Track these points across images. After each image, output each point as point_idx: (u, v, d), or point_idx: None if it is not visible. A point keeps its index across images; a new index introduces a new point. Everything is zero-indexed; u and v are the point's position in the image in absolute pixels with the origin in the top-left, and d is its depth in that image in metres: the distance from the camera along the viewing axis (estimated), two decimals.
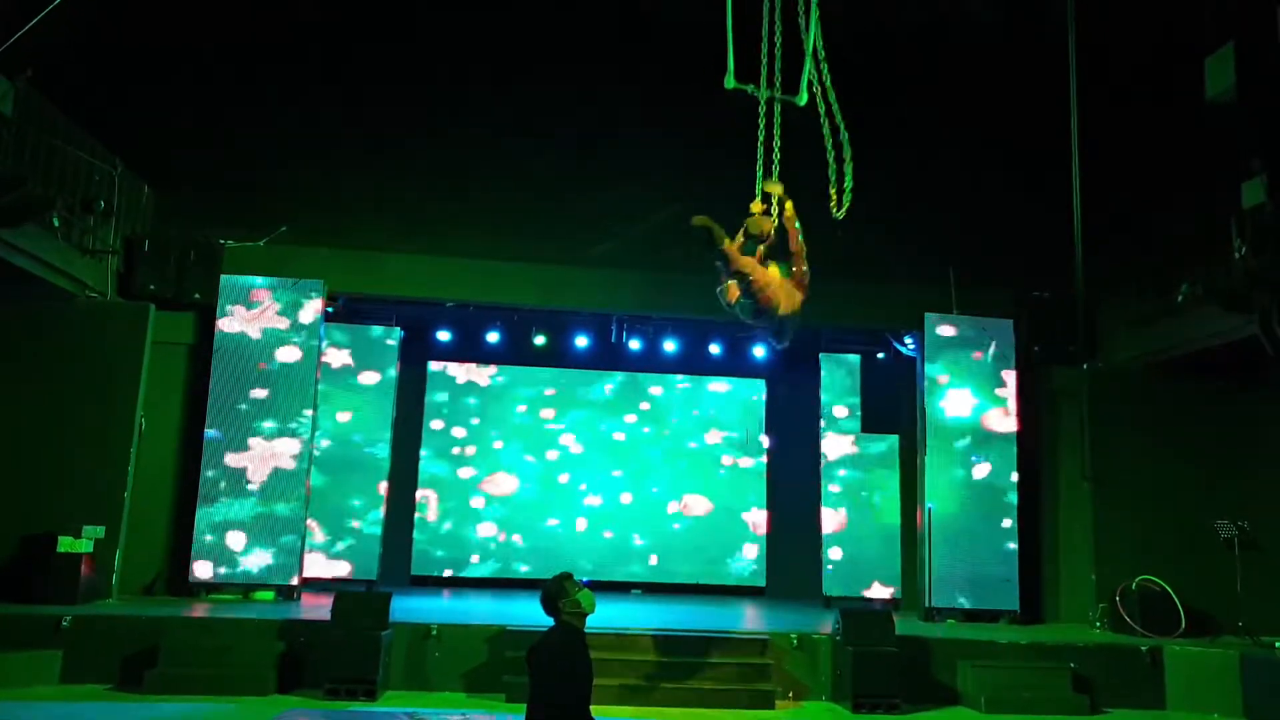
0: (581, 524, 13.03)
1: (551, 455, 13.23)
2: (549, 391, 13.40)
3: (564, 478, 13.17)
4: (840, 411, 12.20)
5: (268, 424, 10.32)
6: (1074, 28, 8.03)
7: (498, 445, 13.19)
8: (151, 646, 7.87)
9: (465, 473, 13.07)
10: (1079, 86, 8.11)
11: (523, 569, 12.75)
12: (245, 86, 9.77)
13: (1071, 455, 10.97)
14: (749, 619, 10.49)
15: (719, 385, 13.61)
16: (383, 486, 11.60)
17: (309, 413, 10.43)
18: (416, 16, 9.54)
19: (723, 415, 13.57)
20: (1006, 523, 10.84)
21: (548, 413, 13.36)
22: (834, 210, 6.46)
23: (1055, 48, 8.07)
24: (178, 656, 7.83)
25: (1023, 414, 11.13)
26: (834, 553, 11.78)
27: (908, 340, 11.62)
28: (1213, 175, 8.87)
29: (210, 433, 10.19)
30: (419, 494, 12.86)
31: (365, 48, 9.86)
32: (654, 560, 13.03)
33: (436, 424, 13.16)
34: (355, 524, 11.47)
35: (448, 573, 12.74)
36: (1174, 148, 9.44)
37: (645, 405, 13.50)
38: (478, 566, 12.81)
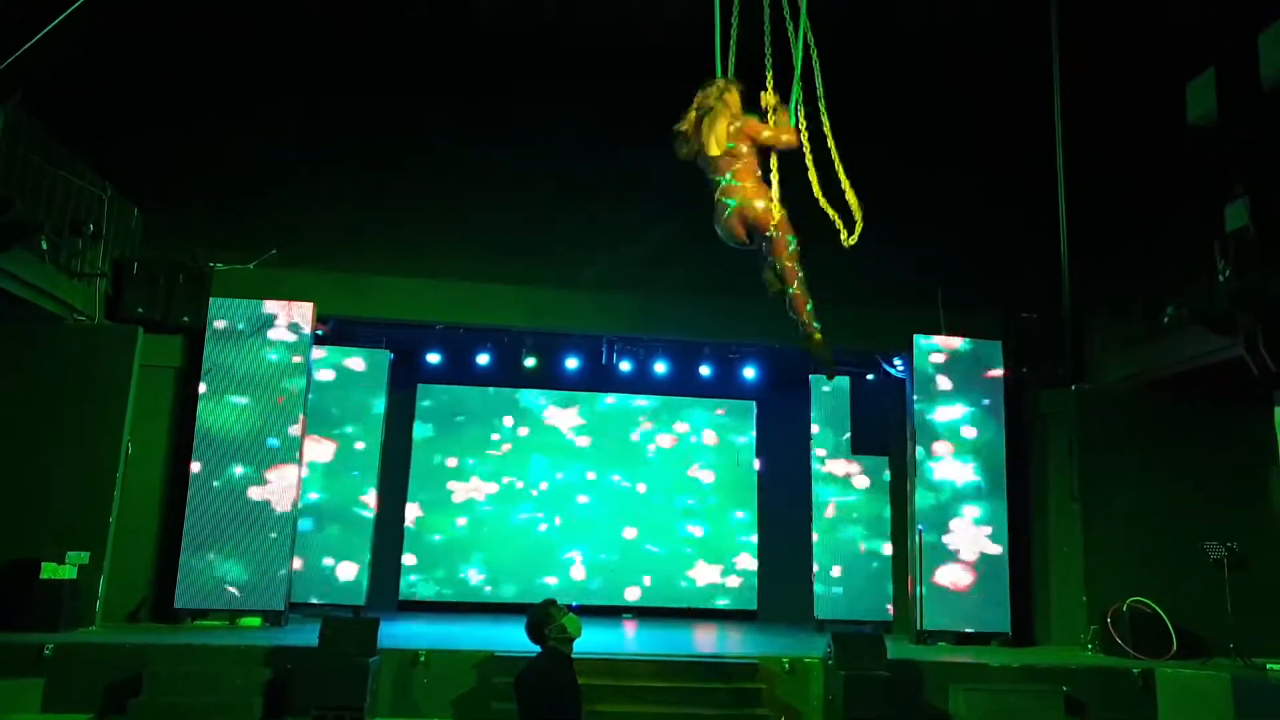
0: (571, 547, 12.97)
1: (541, 477, 13.18)
2: (540, 413, 13.38)
3: (554, 500, 13.12)
4: (830, 433, 12.20)
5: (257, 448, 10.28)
6: (1059, 53, 8.12)
7: (487, 468, 13.14)
8: (135, 674, 7.76)
9: (454, 495, 13.01)
10: (1064, 110, 8.19)
11: (512, 594, 12.65)
12: (235, 110, 9.79)
13: (1061, 476, 10.99)
14: (740, 643, 10.44)
15: (709, 407, 13.60)
16: (371, 509, 11.50)
17: (298, 431, 10.38)
18: (405, 39, 9.59)
19: (712, 437, 13.56)
20: (997, 545, 10.84)
21: (538, 435, 13.33)
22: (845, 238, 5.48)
23: (1041, 73, 8.15)
24: (162, 684, 7.72)
25: (1012, 435, 11.15)
26: (825, 575, 11.75)
27: (897, 362, 11.65)
28: (1196, 198, 8.97)
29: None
30: (408, 517, 12.79)
31: (354, 70, 9.89)
32: (645, 584, 12.96)
33: (425, 446, 13.11)
34: (343, 546, 11.36)
35: (436, 598, 12.65)
36: (1158, 171, 9.54)
37: (635, 427, 13.48)
38: (466, 591, 12.72)
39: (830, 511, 11.96)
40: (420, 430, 13.14)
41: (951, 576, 10.69)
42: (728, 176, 5.11)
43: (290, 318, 10.50)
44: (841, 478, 12.07)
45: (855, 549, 11.89)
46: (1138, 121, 9.44)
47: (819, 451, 12.12)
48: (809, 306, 5.18)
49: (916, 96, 10.16)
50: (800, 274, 5.12)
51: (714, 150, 5.15)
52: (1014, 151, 9.74)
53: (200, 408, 10.23)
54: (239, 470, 10.19)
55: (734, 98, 5.27)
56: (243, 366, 10.37)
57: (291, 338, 10.49)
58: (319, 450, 11.43)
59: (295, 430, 10.37)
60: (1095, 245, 10.04)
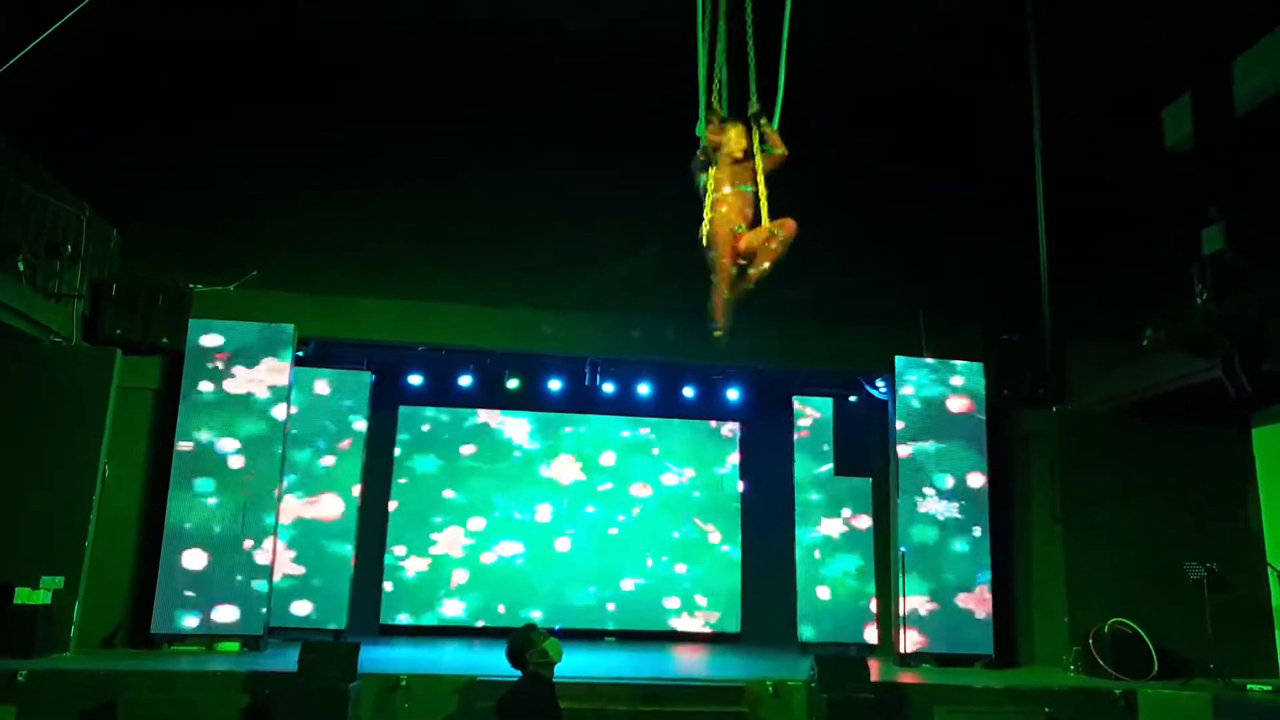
0: (554, 570, 12.90)
1: (523, 500, 13.12)
2: (521, 435, 13.33)
3: (537, 522, 13.05)
4: (813, 455, 12.19)
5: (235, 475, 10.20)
6: (1037, 78, 8.22)
7: (469, 490, 13.07)
8: (110, 701, 7.62)
9: (436, 518, 12.92)
10: (1043, 133, 8.28)
11: (494, 616, 12.56)
12: (215, 130, 9.75)
13: (1042, 497, 11.03)
14: (724, 666, 10.39)
15: (692, 428, 13.59)
16: (352, 531, 11.39)
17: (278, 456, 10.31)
18: (386, 62, 9.59)
19: (696, 458, 13.54)
20: (980, 567, 10.84)
21: (519, 456, 13.28)
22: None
23: (1020, 98, 8.24)
24: (137, 711, 7.58)
25: (993, 457, 11.18)
26: (808, 597, 11.71)
27: (879, 383, 11.69)
28: (1174, 222, 9.07)
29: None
30: (389, 539, 12.68)
31: (335, 91, 9.87)
32: (627, 606, 12.89)
33: (406, 468, 13.03)
34: (323, 569, 11.24)
35: (414, 618, 12.53)
36: (1136, 196, 9.65)
37: (617, 449, 13.44)
38: (448, 615, 12.62)
39: (813, 532, 11.94)
40: (402, 451, 13.06)
41: (933, 596, 10.69)
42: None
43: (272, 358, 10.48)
44: (824, 499, 12.06)
45: (838, 570, 11.87)
46: (1116, 146, 9.54)
47: (801, 473, 12.10)
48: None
49: (897, 121, 10.23)
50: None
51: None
52: (994, 175, 9.82)
53: (179, 430, 10.13)
54: (218, 491, 10.08)
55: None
56: (224, 392, 10.30)
57: (275, 368, 10.45)
58: (300, 473, 11.33)
59: (277, 459, 10.30)
60: (1075, 268, 10.10)
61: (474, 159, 10.36)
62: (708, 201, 5.56)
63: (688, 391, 12.82)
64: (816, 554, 11.85)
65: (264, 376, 10.40)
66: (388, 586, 12.54)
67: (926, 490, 10.96)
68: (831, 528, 11.99)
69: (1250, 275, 8.33)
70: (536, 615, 12.41)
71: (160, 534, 9.91)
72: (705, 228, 5.53)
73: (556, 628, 11.85)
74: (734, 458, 13.58)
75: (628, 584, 12.97)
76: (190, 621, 9.79)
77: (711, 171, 5.62)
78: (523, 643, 4.64)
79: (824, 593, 11.74)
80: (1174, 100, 8.49)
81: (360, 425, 11.62)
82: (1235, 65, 7.97)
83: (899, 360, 11.21)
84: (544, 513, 13.10)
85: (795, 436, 12.23)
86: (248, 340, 10.42)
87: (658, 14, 7.18)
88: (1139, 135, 8.94)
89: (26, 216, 8.88)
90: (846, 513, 12.05)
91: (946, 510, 10.94)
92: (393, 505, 12.83)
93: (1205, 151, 8.18)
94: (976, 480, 11.05)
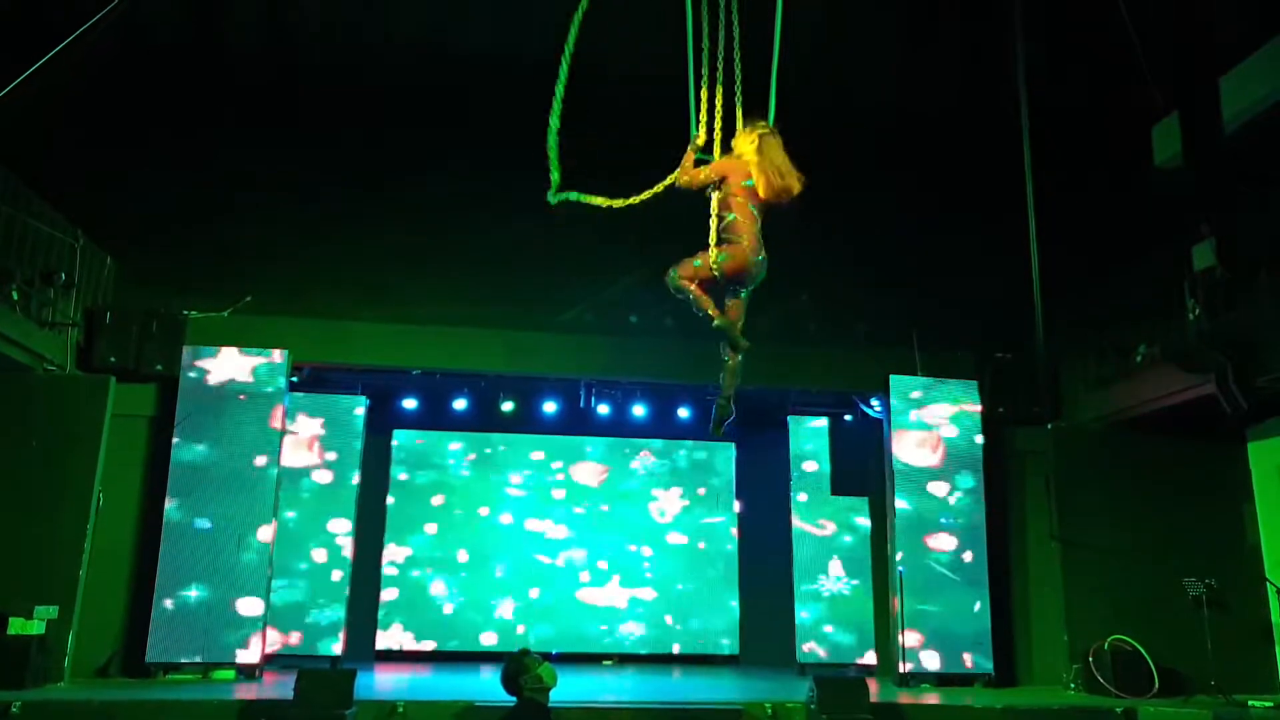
0: (549, 593, 12.83)
1: (518, 523, 13.07)
2: (516, 457, 13.30)
3: (531, 545, 13.00)
4: (810, 474, 12.17)
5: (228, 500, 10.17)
6: (1026, 98, 8.27)
7: (465, 514, 13.02)
8: None
9: (430, 543, 12.86)
10: (1033, 154, 8.33)
11: (490, 642, 12.49)
12: (207, 156, 9.77)
13: (1039, 515, 11.01)
14: (723, 689, 10.34)
15: (689, 449, 13.56)
16: (347, 558, 11.34)
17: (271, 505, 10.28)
18: (377, 89, 9.63)
19: (692, 478, 13.51)
20: (978, 585, 10.82)
21: (514, 479, 13.24)
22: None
23: (1009, 118, 8.30)
24: None
25: (989, 475, 11.18)
26: (807, 618, 11.66)
27: (874, 402, 11.69)
28: (1165, 239, 9.12)
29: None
30: (383, 565, 12.62)
31: (326, 113, 9.91)
32: (625, 630, 12.82)
33: (401, 492, 12.98)
34: (319, 596, 11.18)
35: (411, 644, 12.46)
36: (1127, 213, 9.70)
37: (613, 469, 13.41)
38: (444, 640, 12.54)
39: (811, 551, 11.89)
40: (396, 476, 13.02)
41: (931, 615, 10.64)
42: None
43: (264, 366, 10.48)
44: (821, 519, 12.02)
45: (836, 590, 11.82)
46: (1105, 165, 9.60)
47: (798, 492, 12.08)
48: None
49: (891, 143, 10.29)
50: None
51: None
52: (987, 193, 9.87)
53: (174, 460, 10.11)
54: (213, 519, 10.05)
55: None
56: (217, 420, 10.29)
57: (269, 394, 10.45)
58: (294, 499, 11.28)
59: (269, 488, 10.27)
60: (1068, 285, 10.15)
61: (465, 181, 10.38)
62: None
63: (683, 412, 12.80)
64: (814, 574, 11.80)
65: (258, 402, 10.39)
66: (384, 612, 12.47)
67: (923, 509, 10.95)
68: (828, 548, 11.94)
69: (1241, 290, 8.37)
70: (531, 641, 12.35)
71: (155, 562, 9.86)
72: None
73: (553, 652, 11.80)
74: (730, 478, 13.55)
75: (623, 606, 12.89)
76: (185, 650, 9.73)
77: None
78: (517, 668, 4.61)
79: (822, 613, 11.69)
80: (1162, 119, 8.57)
81: (354, 450, 11.61)
82: (1223, 83, 8.05)
83: (893, 379, 11.23)
84: (540, 533, 13.04)
85: (791, 456, 12.21)
86: (243, 366, 10.42)
87: (648, 41, 7.24)
88: (1129, 153, 9.01)
89: (20, 244, 8.89)
90: (843, 533, 12.01)
91: (943, 529, 10.93)
92: (387, 530, 12.77)
93: (1194, 169, 8.25)
94: (973, 498, 11.05)
